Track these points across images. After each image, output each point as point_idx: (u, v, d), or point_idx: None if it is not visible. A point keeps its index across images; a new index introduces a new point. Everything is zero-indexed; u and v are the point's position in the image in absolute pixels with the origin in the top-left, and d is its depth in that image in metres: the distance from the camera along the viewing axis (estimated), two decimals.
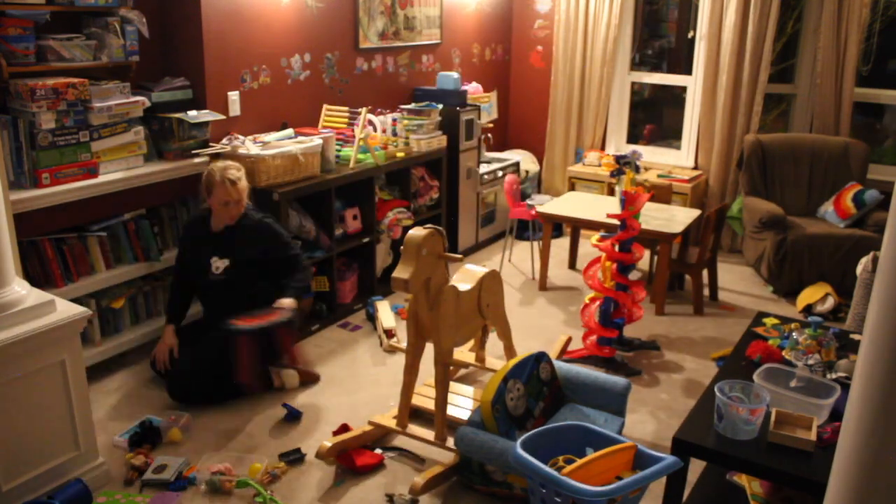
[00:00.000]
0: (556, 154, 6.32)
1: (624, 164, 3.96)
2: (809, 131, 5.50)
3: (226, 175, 3.38)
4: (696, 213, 4.77)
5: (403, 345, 3.15)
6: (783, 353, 2.86)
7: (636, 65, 6.23)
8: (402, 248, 2.86)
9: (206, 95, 3.90)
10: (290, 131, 4.20)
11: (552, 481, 2.26)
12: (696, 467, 2.81)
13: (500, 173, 5.69)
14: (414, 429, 3.11)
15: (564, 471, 2.29)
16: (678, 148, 6.04)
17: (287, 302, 3.43)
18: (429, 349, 3.05)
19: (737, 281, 5.15)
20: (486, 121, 5.86)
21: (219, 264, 3.49)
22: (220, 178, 3.37)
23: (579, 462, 2.35)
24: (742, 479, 2.74)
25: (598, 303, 3.84)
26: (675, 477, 2.42)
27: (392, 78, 5.24)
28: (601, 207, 4.66)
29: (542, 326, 4.38)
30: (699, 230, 4.83)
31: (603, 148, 6.23)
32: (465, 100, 5.30)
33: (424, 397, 3.33)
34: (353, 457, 2.98)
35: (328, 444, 3.01)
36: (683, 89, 5.94)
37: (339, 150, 4.37)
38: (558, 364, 3.17)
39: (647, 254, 4.39)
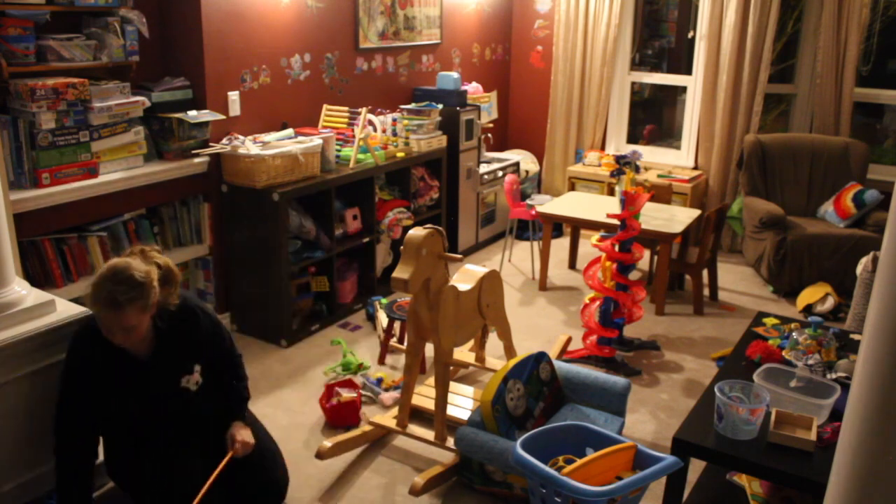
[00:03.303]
0: (556, 154, 6.32)
1: (624, 164, 3.97)
2: (809, 131, 5.50)
3: (114, 292, 2.19)
4: (696, 213, 4.77)
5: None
6: (783, 353, 2.86)
7: (636, 65, 6.23)
8: (402, 248, 2.86)
9: (206, 95, 3.90)
10: (290, 131, 4.20)
11: (552, 481, 2.26)
12: (696, 467, 2.82)
13: (500, 173, 5.69)
14: (414, 429, 3.11)
15: (564, 471, 2.30)
16: (678, 148, 6.05)
17: (248, 435, 2.53)
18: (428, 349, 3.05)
19: (737, 281, 5.15)
20: (486, 121, 5.87)
21: (196, 378, 2.50)
22: (105, 297, 2.19)
23: (579, 462, 2.35)
24: (742, 479, 2.74)
25: (598, 303, 3.84)
26: (675, 477, 2.42)
27: (392, 78, 5.24)
28: (601, 207, 4.66)
29: (542, 326, 4.38)
30: (699, 230, 4.83)
31: (603, 148, 6.23)
32: (465, 100, 5.30)
33: (424, 397, 3.33)
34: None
35: (328, 444, 3.01)
36: (683, 89, 5.94)
37: (339, 150, 4.37)
38: (558, 364, 3.17)
39: (647, 254, 4.39)
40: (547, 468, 2.30)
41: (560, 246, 5.65)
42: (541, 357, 3.05)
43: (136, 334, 2.30)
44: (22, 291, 2.59)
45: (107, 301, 2.20)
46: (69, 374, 2.38)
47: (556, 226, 5.85)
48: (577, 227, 5.27)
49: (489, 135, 5.99)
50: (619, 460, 2.41)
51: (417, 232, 2.86)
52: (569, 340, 4.04)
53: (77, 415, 2.38)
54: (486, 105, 5.89)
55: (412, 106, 5.09)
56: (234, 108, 4.06)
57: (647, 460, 2.39)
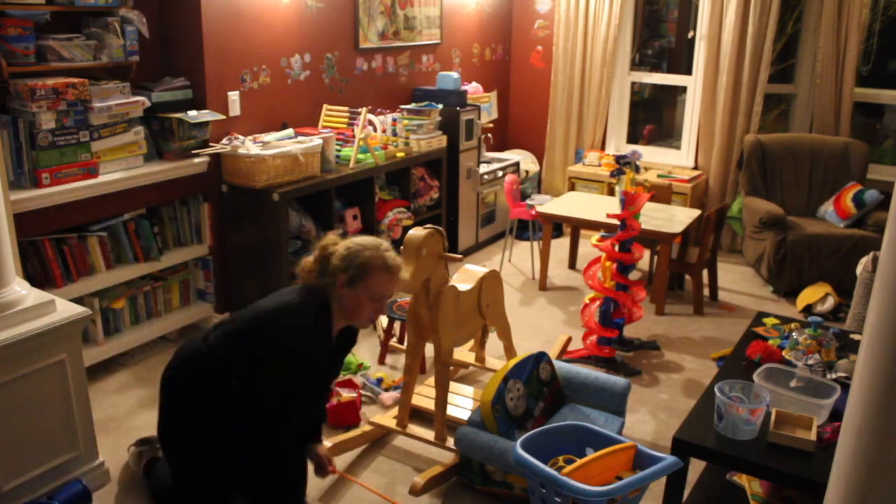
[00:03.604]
0: (556, 154, 6.32)
1: (624, 164, 3.96)
2: (809, 131, 5.50)
3: (388, 258, 2.37)
4: (696, 213, 4.77)
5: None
6: (783, 353, 2.86)
7: (636, 65, 6.23)
8: (402, 248, 2.86)
9: (206, 95, 3.90)
10: (290, 131, 4.20)
11: (552, 481, 2.26)
12: (696, 467, 2.81)
13: (500, 173, 5.69)
14: (414, 429, 3.12)
15: (564, 471, 2.30)
16: (678, 148, 6.05)
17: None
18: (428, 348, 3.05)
19: (737, 281, 5.15)
20: (486, 121, 5.87)
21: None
22: (381, 263, 2.33)
23: (579, 462, 2.35)
24: (742, 479, 2.74)
25: (598, 303, 3.84)
26: (675, 477, 2.41)
27: (392, 78, 5.24)
28: (601, 207, 4.66)
29: (542, 326, 4.38)
30: (699, 230, 4.83)
31: (603, 148, 6.23)
32: (465, 100, 5.30)
33: (424, 397, 3.33)
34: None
35: (328, 443, 3.01)
36: (683, 89, 5.94)
37: (339, 150, 4.37)
38: (558, 364, 3.17)
39: (647, 254, 4.39)
40: (547, 468, 2.30)
41: (560, 246, 5.65)
42: (541, 357, 3.05)
43: (385, 303, 2.48)
44: (22, 291, 2.59)
45: (395, 266, 2.39)
46: (309, 361, 2.33)
47: (556, 226, 5.84)
48: (577, 227, 5.27)
49: (489, 135, 5.99)
50: (619, 460, 2.41)
51: (417, 232, 2.86)
52: (569, 340, 4.04)
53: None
54: (486, 105, 5.89)
55: (412, 106, 5.09)
56: (234, 108, 4.06)
57: (647, 460, 2.39)
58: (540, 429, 2.57)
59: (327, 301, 2.36)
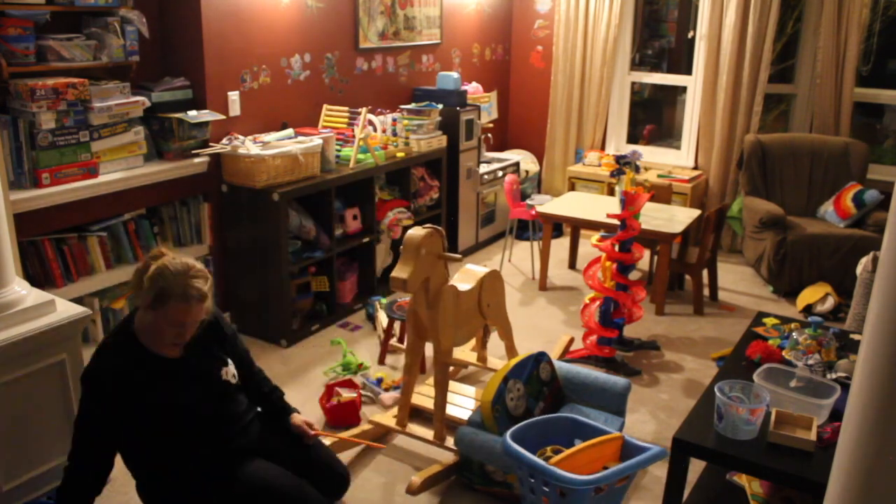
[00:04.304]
0: (556, 154, 6.32)
1: (624, 164, 3.96)
2: (809, 131, 5.51)
3: (190, 287, 2.16)
4: (696, 213, 4.77)
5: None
6: (783, 353, 2.86)
7: (636, 65, 6.23)
8: (401, 247, 2.86)
9: (206, 95, 3.90)
10: (290, 131, 4.20)
11: (540, 471, 2.28)
12: (696, 467, 2.81)
13: (500, 173, 5.69)
14: (414, 428, 3.12)
15: (552, 460, 2.32)
16: (678, 148, 6.05)
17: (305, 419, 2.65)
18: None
19: (737, 281, 5.15)
20: (486, 121, 5.87)
21: (233, 371, 2.42)
22: (181, 291, 2.14)
23: (567, 452, 2.38)
24: (742, 479, 2.74)
25: (598, 303, 3.84)
26: (675, 477, 2.42)
27: (392, 78, 5.24)
28: (601, 207, 4.66)
29: (543, 326, 4.38)
30: (699, 230, 4.83)
31: (603, 148, 6.24)
32: (465, 100, 5.30)
33: (425, 397, 3.33)
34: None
35: (328, 442, 3.00)
36: (683, 89, 5.94)
37: (339, 150, 4.37)
38: (558, 364, 3.17)
39: (647, 254, 4.39)
40: (534, 458, 2.33)
41: (560, 246, 5.65)
42: (541, 357, 3.05)
43: (192, 331, 2.24)
44: (22, 291, 2.59)
45: (184, 295, 2.14)
46: (99, 399, 2.18)
47: (556, 226, 5.85)
48: (577, 227, 5.27)
49: (489, 135, 5.99)
50: (606, 451, 2.44)
51: (417, 231, 2.86)
52: (571, 341, 4.04)
53: (105, 437, 2.22)
54: (486, 105, 5.89)
55: (412, 106, 5.09)
56: (234, 108, 4.06)
57: (634, 451, 2.42)
58: (529, 420, 2.59)
59: (129, 325, 2.23)
